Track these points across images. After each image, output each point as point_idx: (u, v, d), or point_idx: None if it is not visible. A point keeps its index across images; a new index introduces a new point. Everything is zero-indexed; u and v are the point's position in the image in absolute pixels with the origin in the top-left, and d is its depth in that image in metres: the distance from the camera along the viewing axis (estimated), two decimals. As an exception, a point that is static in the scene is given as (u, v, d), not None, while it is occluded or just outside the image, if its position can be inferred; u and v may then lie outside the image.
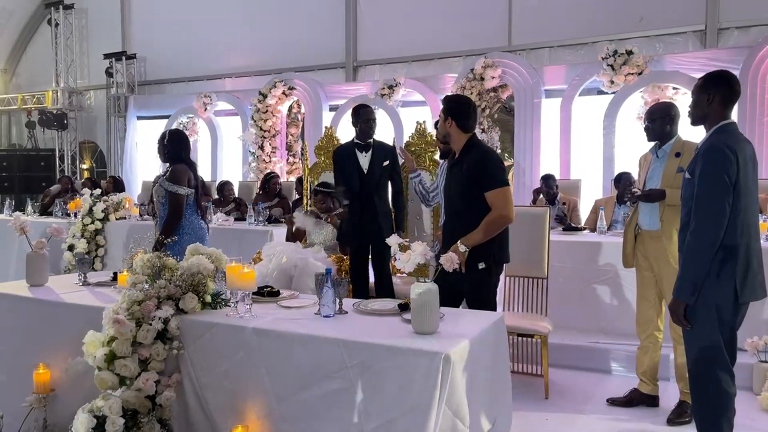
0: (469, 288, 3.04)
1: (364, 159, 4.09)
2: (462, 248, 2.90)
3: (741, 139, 2.44)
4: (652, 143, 3.42)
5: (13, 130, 13.26)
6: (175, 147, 3.88)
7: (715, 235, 2.34)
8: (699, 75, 6.65)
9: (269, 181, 6.68)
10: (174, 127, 9.95)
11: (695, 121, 2.58)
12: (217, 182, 7.37)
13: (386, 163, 4.10)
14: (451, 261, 2.33)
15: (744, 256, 2.39)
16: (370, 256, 4.12)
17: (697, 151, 2.49)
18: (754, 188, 2.46)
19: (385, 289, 4.02)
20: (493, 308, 3.15)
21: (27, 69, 12.71)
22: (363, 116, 4.10)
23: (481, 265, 2.96)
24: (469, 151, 3.06)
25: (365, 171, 4.07)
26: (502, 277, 4.36)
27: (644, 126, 3.43)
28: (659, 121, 3.33)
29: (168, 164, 3.90)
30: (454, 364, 2.00)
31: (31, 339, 2.88)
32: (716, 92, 2.47)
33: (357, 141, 4.12)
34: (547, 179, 6.02)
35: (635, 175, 4.03)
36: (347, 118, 8.49)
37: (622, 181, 5.30)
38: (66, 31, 11.62)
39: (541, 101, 7.41)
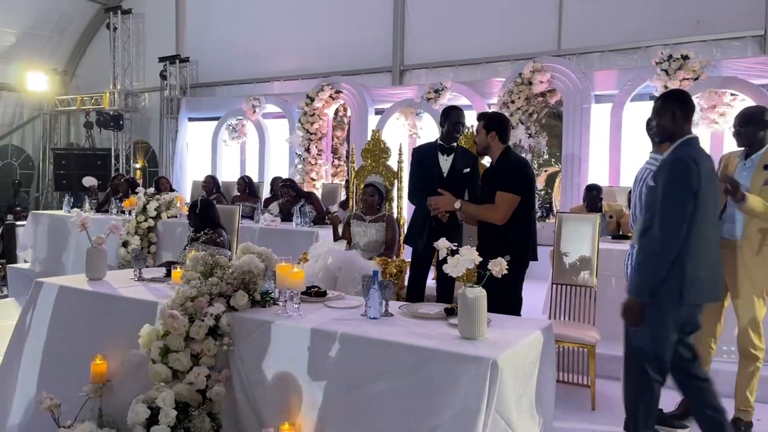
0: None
1: (445, 162, 3.94)
2: (457, 204, 3.49)
3: (703, 154, 2.66)
4: (740, 148, 3.30)
5: (71, 129, 13.82)
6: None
7: (676, 239, 2.53)
8: (758, 81, 6.39)
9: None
10: (223, 129, 10.25)
11: (663, 139, 2.82)
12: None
13: (467, 170, 3.92)
14: (500, 266, 2.30)
15: (693, 261, 2.56)
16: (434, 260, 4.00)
17: (663, 161, 2.68)
18: (713, 199, 2.65)
19: (449, 293, 3.89)
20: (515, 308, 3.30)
21: (86, 71, 13.25)
22: (453, 118, 3.94)
23: (507, 257, 2.86)
24: (505, 158, 3.51)
25: (444, 174, 3.92)
26: (547, 285, 4.32)
27: (734, 131, 3.29)
28: (752, 126, 3.18)
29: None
30: (502, 370, 1.99)
31: (90, 331, 2.99)
32: (679, 109, 2.70)
33: (441, 143, 3.98)
34: (590, 190, 5.87)
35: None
36: (393, 121, 8.57)
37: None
38: (123, 35, 12.06)
39: (590, 106, 7.28)
